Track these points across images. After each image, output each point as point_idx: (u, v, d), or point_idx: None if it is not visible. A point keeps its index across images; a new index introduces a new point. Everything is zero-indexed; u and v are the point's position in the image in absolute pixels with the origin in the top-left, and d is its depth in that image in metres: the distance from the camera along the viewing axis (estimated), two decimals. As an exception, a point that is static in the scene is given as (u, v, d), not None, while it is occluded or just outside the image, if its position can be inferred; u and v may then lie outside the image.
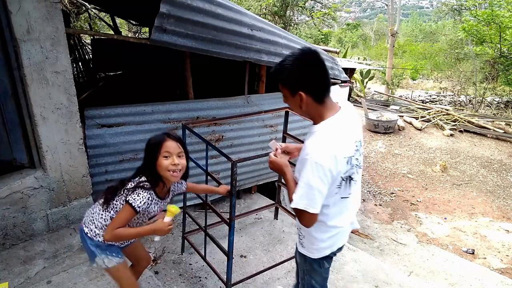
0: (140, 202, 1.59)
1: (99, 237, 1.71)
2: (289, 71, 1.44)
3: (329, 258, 1.71)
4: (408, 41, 22.82)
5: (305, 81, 1.43)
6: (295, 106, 1.50)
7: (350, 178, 1.53)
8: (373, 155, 8.08)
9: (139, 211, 1.61)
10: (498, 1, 10.96)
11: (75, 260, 2.41)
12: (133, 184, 1.67)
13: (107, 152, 2.98)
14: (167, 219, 1.66)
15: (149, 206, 1.65)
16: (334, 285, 2.71)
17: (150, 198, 1.64)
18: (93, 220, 1.73)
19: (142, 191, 1.62)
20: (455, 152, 8.01)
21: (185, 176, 1.82)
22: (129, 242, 1.88)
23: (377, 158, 7.91)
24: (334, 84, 4.27)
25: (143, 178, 1.69)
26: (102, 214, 1.71)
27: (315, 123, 1.51)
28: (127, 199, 1.60)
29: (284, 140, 3.00)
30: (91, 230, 1.72)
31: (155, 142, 1.69)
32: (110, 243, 1.73)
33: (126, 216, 1.61)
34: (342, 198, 1.56)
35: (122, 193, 1.67)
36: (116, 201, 1.68)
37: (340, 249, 1.73)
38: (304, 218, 1.47)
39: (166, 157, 1.65)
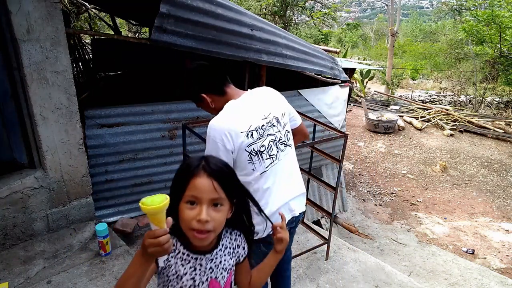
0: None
1: None
2: (186, 87, 1.73)
3: (267, 242, 1.64)
4: (408, 41, 22.81)
5: (201, 86, 1.68)
6: (208, 108, 1.73)
7: (260, 152, 1.61)
8: (373, 155, 8.08)
9: (157, 270, 1.03)
10: (498, 1, 10.95)
11: (75, 260, 2.41)
12: None
13: (107, 152, 2.98)
14: (153, 227, 0.88)
15: (172, 265, 1.03)
16: (334, 285, 2.71)
17: (172, 253, 1.03)
18: None
19: None
20: (455, 152, 8.01)
21: (246, 231, 1.18)
22: None
23: (377, 158, 7.90)
24: (334, 84, 4.27)
25: None
26: None
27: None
28: None
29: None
30: None
31: (182, 172, 1.02)
32: None
33: (131, 266, 0.94)
34: (261, 174, 1.62)
35: None
36: None
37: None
38: None
39: (191, 203, 0.98)
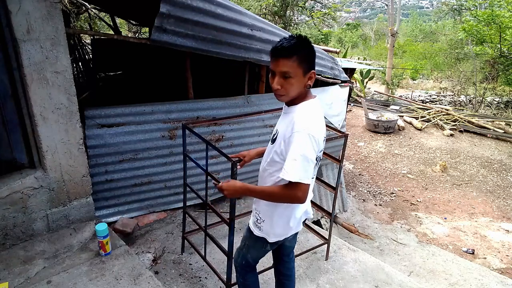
0: None
1: None
2: (308, 49, 1.47)
3: (275, 243, 1.80)
4: (408, 41, 22.83)
5: (314, 62, 1.51)
6: (299, 87, 1.50)
7: (319, 159, 1.65)
8: (373, 155, 8.08)
9: None
10: (498, 1, 10.95)
11: (75, 260, 2.41)
12: None
13: (107, 152, 2.98)
14: None
15: None
16: (334, 285, 2.71)
17: None
18: None
19: None
20: (455, 152, 8.01)
21: None
22: None
23: (377, 158, 7.90)
24: (334, 84, 4.27)
25: None
26: None
27: (293, 103, 1.58)
28: None
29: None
30: None
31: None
32: None
33: None
34: (311, 178, 1.64)
35: None
36: None
37: (292, 237, 1.85)
38: (300, 189, 1.48)
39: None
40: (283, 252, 2.08)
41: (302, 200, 1.51)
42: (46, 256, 2.43)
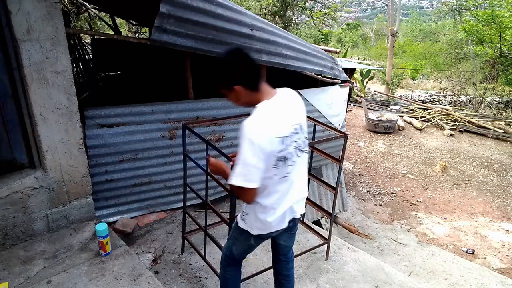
0: None
1: None
2: (221, 72, 1.61)
3: (259, 238, 1.82)
4: (408, 41, 22.82)
5: (237, 76, 1.57)
6: (234, 100, 1.65)
7: (285, 158, 1.62)
8: (373, 155, 8.08)
9: None
10: (498, 1, 10.95)
11: (75, 260, 2.41)
12: None
13: (107, 152, 2.98)
14: None
15: None
16: (334, 285, 2.71)
17: None
18: None
19: None
20: (455, 152, 8.01)
21: None
22: None
23: (377, 158, 7.90)
24: (334, 84, 4.27)
25: None
26: None
27: (254, 107, 1.64)
28: None
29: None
30: None
31: None
32: None
33: None
34: (280, 178, 1.65)
35: None
36: None
37: (278, 231, 1.81)
38: (243, 194, 1.60)
39: None
40: (279, 251, 2.09)
41: (248, 202, 1.66)
42: (46, 256, 2.43)
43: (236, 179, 1.54)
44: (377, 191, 6.67)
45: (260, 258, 2.98)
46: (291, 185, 1.72)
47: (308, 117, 2.90)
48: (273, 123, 1.55)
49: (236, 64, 1.57)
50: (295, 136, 1.64)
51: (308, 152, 1.79)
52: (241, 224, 1.83)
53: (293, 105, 1.69)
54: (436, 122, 9.47)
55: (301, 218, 2.02)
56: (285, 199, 1.73)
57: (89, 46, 7.03)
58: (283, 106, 1.62)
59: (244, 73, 1.57)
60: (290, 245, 2.10)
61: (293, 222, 1.87)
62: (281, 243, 2.04)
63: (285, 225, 1.80)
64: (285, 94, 1.69)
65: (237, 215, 1.93)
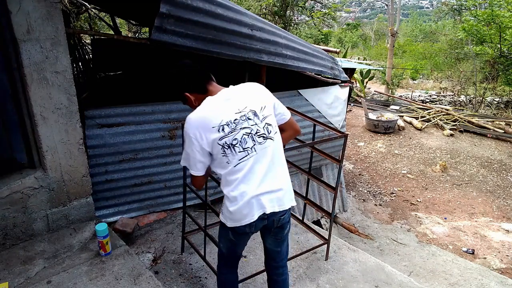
0: None
1: None
2: (171, 85, 1.82)
3: (235, 232, 1.80)
4: (408, 41, 22.82)
5: (183, 85, 1.78)
6: (193, 106, 1.79)
7: (232, 145, 1.67)
8: (373, 155, 8.08)
9: None
10: (498, 1, 10.95)
11: (75, 260, 2.41)
12: None
13: (107, 152, 2.98)
14: None
15: None
16: (334, 285, 2.71)
17: None
18: None
19: None
20: (455, 152, 8.01)
21: None
22: None
23: (377, 158, 7.91)
24: (334, 84, 4.27)
25: None
26: None
27: None
28: None
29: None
30: None
31: None
32: None
33: None
34: (235, 167, 1.69)
35: None
36: None
37: (251, 226, 1.75)
38: (192, 179, 1.83)
39: None
40: (268, 255, 2.04)
41: (196, 187, 1.87)
42: (46, 256, 2.43)
43: (182, 162, 1.81)
44: (377, 191, 6.68)
45: (260, 258, 2.98)
46: (252, 174, 1.68)
47: (308, 117, 2.90)
48: (207, 114, 1.67)
49: (178, 75, 1.79)
50: (244, 123, 1.68)
51: (273, 138, 1.74)
52: (220, 217, 1.85)
53: (244, 93, 1.75)
54: (436, 122, 9.47)
55: (286, 220, 1.86)
56: (246, 189, 1.68)
57: (89, 46, 7.03)
58: (224, 97, 1.72)
59: (187, 82, 1.77)
60: (278, 250, 1.99)
61: (271, 222, 1.78)
62: (268, 247, 1.99)
63: (254, 218, 1.70)
64: (237, 86, 1.78)
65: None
